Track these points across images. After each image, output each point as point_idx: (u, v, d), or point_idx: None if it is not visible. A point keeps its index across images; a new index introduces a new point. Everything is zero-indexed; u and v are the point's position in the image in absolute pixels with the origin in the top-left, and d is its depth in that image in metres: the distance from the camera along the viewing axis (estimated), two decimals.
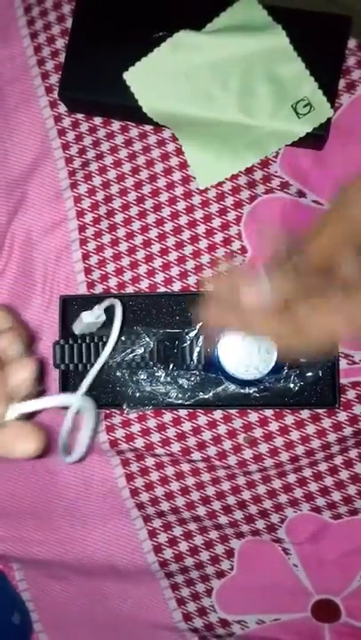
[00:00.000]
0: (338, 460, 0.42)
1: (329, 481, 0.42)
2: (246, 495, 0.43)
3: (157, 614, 0.43)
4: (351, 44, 0.42)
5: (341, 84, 0.41)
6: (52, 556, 0.44)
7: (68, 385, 0.42)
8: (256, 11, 0.41)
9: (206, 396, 0.41)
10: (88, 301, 0.42)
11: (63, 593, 0.44)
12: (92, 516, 0.44)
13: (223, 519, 0.43)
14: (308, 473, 0.42)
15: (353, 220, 0.27)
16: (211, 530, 0.43)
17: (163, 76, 0.41)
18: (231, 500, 0.43)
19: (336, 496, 0.42)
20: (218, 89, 0.41)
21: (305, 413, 0.42)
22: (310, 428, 0.42)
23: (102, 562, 0.44)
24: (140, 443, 0.44)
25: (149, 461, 0.43)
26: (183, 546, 0.43)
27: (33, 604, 0.45)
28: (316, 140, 0.41)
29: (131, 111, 0.42)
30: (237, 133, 0.41)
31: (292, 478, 0.43)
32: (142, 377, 0.42)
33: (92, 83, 0.42)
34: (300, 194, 0.42)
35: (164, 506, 0.43)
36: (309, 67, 0.40)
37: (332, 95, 0.40)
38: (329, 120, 0.40)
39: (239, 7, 0.41)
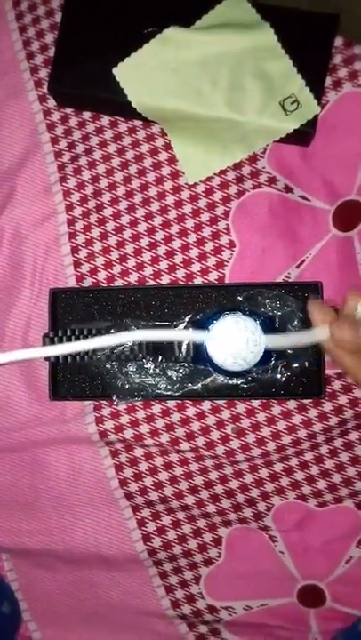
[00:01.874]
0: (323, 450, 0.43)
1: (315, 470, 0.43)
2: (234, 484, 0.44)
3: (146, 602, 0.44)
4: (338, 42, 0.42)
5: (328, 81, 0.42)
6: (41, 545, 0.45)
7: (57, 377, 0.43)
8: (244, 8, 0.42)
9: (195, 388, 0.42)
10: (77, 294, 0.43)
11: (52, 582, 0.45)
12: (82, 506, 0.44)
13: (211, 508, 0.44)
14: (294, 462, 0.43)
15: None
16: (199, 518, 0.44)
17: (152, 71, 0.42)
18: (219, 489, 0.44)
19: (321, 484, 0.43)
20: (207, 85, 0.41)
21: (291, 404, 0.43)
22: (297, 418, 0.43)
23: (91, 551, 0.45)
24: (129, 433, 0.44)
25: (138, 452, 0.44)
26: (172, 534, 0.44)
27: (22, 594, 0.45)
28: (303, 136, 0.42)
29: (120, 106, 0.43)
30: (226, 129, 0.42)
31: (278, 467, 0.44)
32: (131, 369, 0.42)
33: (82, 77, 0.43)
34: (287, 189, 0.43)
35: (153, 495, 0.44)
36: (297, 64, 0.41)
37: (318, 92, 0.41)
38: (316, 117, 0.41)
39: (228, 5, 0.42)
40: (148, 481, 0.44)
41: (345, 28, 0.42)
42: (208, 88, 0.41)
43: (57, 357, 0.41)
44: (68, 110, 0.45)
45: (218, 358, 0.40)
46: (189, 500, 0.44)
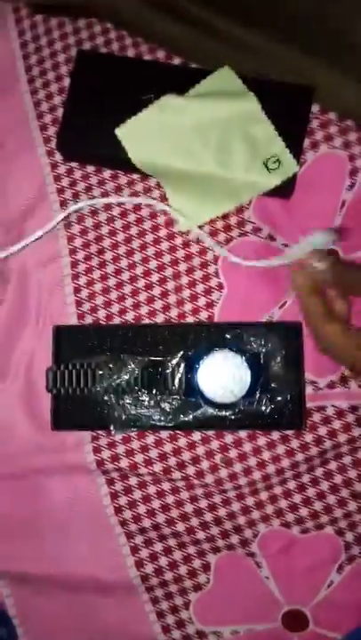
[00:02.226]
0: (305, 479, 0.46)
1: (297, 498, 0.46)
2: (222, 512, 0.46)
3: (139, 627, 0.46)
4: (315, 108, 0.48)
5: (306, 143, 0.47)
6: (38, 571, 0.46)
7: (59, 408, 0.46)
8: (232, 79, 0.47)
9: (186, 419, 0.45)
10: (79, 331, 0.46)
11: (49, 607, 0.46)
12: (78, 533, 0.46)
13: (201, 534, 0.46)
14: (278, 490, 0.46)
15: None
16: (189, 545, 0.46)
17: (150, 132, 0.47)
18: (208, 516, 0.46)
19: (304, 512, 0.46)
20: (199, 145, 0.46)
21: (275, 435, 0.47)
22: (280, 449, 0.46)
23: (87, 577, 0.46)
24: (124, 463, 0.47)
25: (133, 480, 0.47)
26: (163, 561, 0.46)
27: (18, 619, 0.46)
28: (284, 190, 0.46)
29: (120, 162, 0.47)
30: (215, 184, 0.47)
31: (264, 495, 0.46)
32: (128, 401, 0.45)
33: (87, 135, 0.47)
34: (271, 237, 0.48)
35: (146, 522, 0.46)
36: (278, 128, 0.46)
37: (298, 153, 0.46)
38: (295, 174, 0.46)
39: (218, 76, 0.47)
40: (142, 508, 0.46)
41: (320, 96, 0.47)
42: (200, 148, 0.46)
43: (59, 389, 0.44)
44: (74, 164, 0.49)
45: (208, 391, 0.43)
46: (180, 527, 0.46)
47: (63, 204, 0.49)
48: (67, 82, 0.49)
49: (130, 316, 0.48)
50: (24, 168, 0.49)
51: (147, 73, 0.48)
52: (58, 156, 0.49)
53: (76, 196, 0.49)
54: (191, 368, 0.44)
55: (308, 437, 0.46)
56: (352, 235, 0.46)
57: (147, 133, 0.46)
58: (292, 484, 0.46)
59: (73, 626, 0.46)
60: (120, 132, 0.47)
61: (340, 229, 0.46)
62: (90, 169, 0.49)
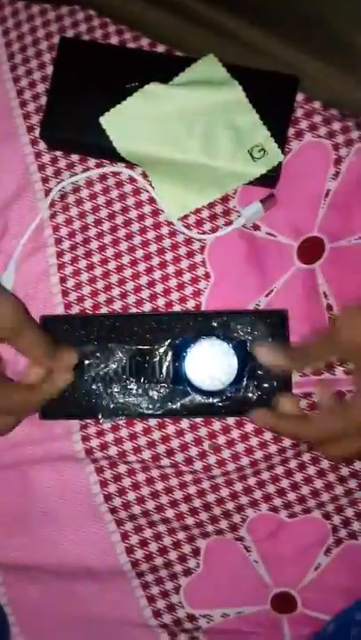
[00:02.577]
0: (293, 464, 0.47)
1: (285, 483, 0.47)
2: (211, 498, 0.47)
3: (129, 612, 0.46)
4: (299, 97, 0.48)
5: (291, 132, 0.47)
6: (29, 559, 0.47)
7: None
8: (217, 68, 0.47)
9: (174, 407, 0.45)
10: (66, 321, 0.46)
11: (40, 595, 0.46)
12: (68, 521, 0.47)
13: (190, 520, 0.47)
14: (266, 476, 0.47)
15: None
16: (179, 531, 0.47)
17: (135, 120, 0.46)
18: (197, 502, 0.47)
19: (291, 496, 0.47)
20: (183, 134, 0.46)
21: None
22: (268, 435, 0.47)
23: (77, 564, 0.47)
24: (113, 451, 0.47)
25: (122, 468, 0.47)
26: (153, 546, 0.47)
27: (10, 608, 0.47)
28: (269, 180, 0.47)
29: (105, 150, 0.47)
30: (201, 173, 0.47)
31: (252, 481, 0.47)
32: (116, 390, 0.45)
33: (71, 125, 0.47)
34: (255, 227, 0.48)
35: (136, 509, 0.47)
36: (263, 117, 0.46)
37: (282, 142, 0.46)
38: (280, 163, 0.46)
39: (202, 64, 0.47)
40: (131, 496, 0.47)
41: (304, 85, 0.47)
42: (185, 137, 0.46)
43: None
44: (58, 153, 0.49)
45: (195, 379, 0.43)
46: (170, 513, 0.47)
47: (47, 193, 0.49)
48: (50, 70, 0.49)
49: (117, 306, 0.48)
50: (7, 157, 0.49)
51: (131, 61, 0.47)
52: (42, 145, 0.49)
53: (59, 185, 0.48)
54: (178, 356, 0.44)
55: None
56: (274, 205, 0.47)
57: (131, 121, 0.46)
58: (279, 470, 0.47)
59: (64, 613, 0.46)
60: (104, 120, 0.46)
61: (267, 198, 0.46)
62: (74, 157, 0.49)
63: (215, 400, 0.45)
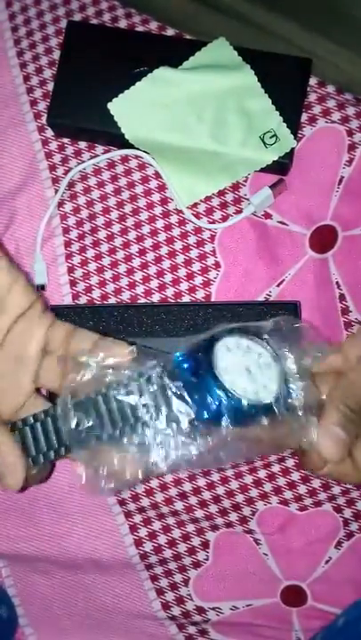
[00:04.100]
0: None
1: (295, 476, 0.46)
2: (220, 490, 0.46)
3: (138, 604, 0.46)
4: (312, 81, 0.47)
5: (304, 117, 0.46)
6: (37, 551, 0.47)
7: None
8: (227, 51, 0.46)
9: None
10: (74, 311, 0.46)
11: (48, 587, 0.46)
12: (76, 513, 0.46)
13: (199, 513, 0.46)
14: (276, 469, 0.46)
15: None
16: (188, 523, 0.46)
17: (143, 106, 0.45)
18: (207, 495, 0.46)
19: (302, 489, 0.46)
20: (193, 120, 0.45)
21: None
22: None
23: (86, 556, 0.47)
24: None
25: None
26: (162, 539, 0.46)
27: (19, 599, 0.47)
28: (281, 167, 0.45)
29: (113, 137, 0.46)
30: (211, 160, 0.46)
31: (262, 474, 0.46)
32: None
33: (79, 111, 0.46)
34: (267, 215, 0.47)
35: (145, 502, 0.47)
36: (275, 102, 0.45)
37: (295, 127, 0.45)
38: (292, 150, 0.45)
39: (212, 48, 0.46)
40: (140, 488, 0.47)
41: (318, 69, 0.46)
42: (194, 123, 0.45)
43: None
44: (65, 140, 0.48)
45: (238, 388, 0.29)
46: (179, 505, 0.47)
47: (55, 181, 0.48)
48: (57, 55, 0.48)
49: (125, 296, 0.47)
50: (15, 144, 0.48)
51: (140, 45, 0.46)
52: (49, 132, 0.48)
53: (67, 173, 0.48)
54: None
55: None
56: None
57: (140, 107, 0.45)
58: (290, 462, 0.46)
59: (72, 605, 0.46)
60: (112, 106, 0.45)
61: (276, 183, 0.45)
62: (82, 145, 0.48)
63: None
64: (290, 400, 0.30)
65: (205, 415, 0.29)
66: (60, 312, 0.46)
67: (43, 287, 0.47)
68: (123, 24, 0.48)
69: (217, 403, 0.28)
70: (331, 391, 0.32)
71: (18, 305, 0.34)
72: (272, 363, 0.30)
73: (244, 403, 0.28)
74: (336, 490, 0.46)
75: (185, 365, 0.29)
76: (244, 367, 0.29)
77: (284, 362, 0.31)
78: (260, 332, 0.31)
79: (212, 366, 0.29)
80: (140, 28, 0.48)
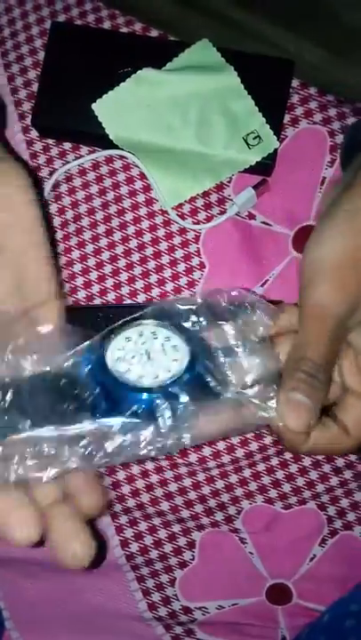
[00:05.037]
0: (288, 455, 0.47)
1: (280, 474, 0.47)
2: (206, 490, 0.47)
3: (124, 606, 0.46)
4: (295, 83, 0.47)
5: (286, 118, 0.47)
6: (22, 554, 0.46)
7: None
8: (211, 53, 0.46)
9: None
10: None
11: (34, 590, 0.46)
12: None
13: (185, 513, 0.47)
14: (261, 467, 0.47)
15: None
16: (174, 523, 0.47)
17: (128, 107, 0.46)
18: (192, 494, 0.47)
19: (286, 488, 0.47)
20: (177, 121, 0.45)
21: None
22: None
23: None
24: None
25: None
26: (148, 539, 0.46)
27: (3, 603, 0.46)
28: (264, 167, 0.46)
29: (98, 138, 0.46)
30: (195, 160, 0.46)
31: (247, 473, 0.47)
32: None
33: (63, 112, 0.46)
34: (250, 216, 0.47)
35: (130, 503, 0.47)
36: (258, 103, 0.45)
37: (278, 128, 0.45)
38: (276, 151, 0.45)
39: (196, 49, 0.46)
40: (126, 489, 0.47)
41: (300, 71, 0.47)
42: (179, 124, 0.45)
43: None
44: (50, 141, 0.48)
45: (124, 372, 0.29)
46: (165, 506, 0.47)
47: (40, 182, 0.48)
48: (41, 55, 0.48)
49: (110, 297, 0.47)
50: None
51: (123, 46, 0.46)
52: (34, 133, 0.48)
53: (53, 174, 0.48)
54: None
55: None
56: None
57: (124, 108, 0.45)
58: (274, 461, 0.46)
59: (59, 607, 0.46)
60: (97, 107, 0.46)
61: (259, 183, 0.45)
62: (67, 146, 0.48)
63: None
64: (220, 377, 0.29)
65: (104, 406, 0.28)
66: None
67: None
68: (107, 25, 0.49)
69: (111, 393, 0.28)
70: (287, 356, 0.30)
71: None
72: (181, 344, 0.29)
73: (133, 385, 0.28)
74: (320, 488, 0.46)
75: (85, 369, 0.29)
76: (145, 353, 0.29)
77: (215, 339, 0.30)
78: (173, 317, 0.31)
79: (104, 361, 0.29)
80: (124, 30, 0.48)
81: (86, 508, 0.25)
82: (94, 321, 0.45)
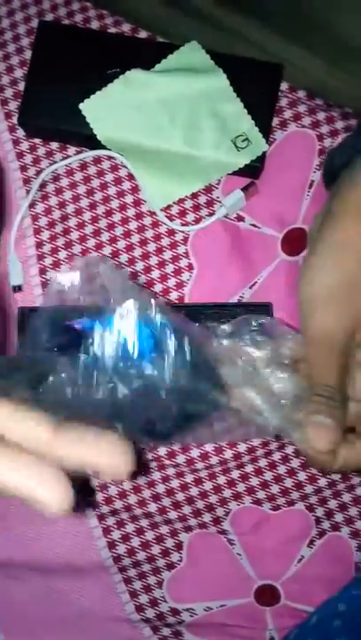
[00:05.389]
0: (276, 456, 0.47)
1: (268, 475, 0.47)
2: (194, 491, 0.47)
3: (111, 607, 0.46)
4: (283, 86, 0.47)
5: (275, 121, 0.47)
6: (9, 555, 0.46)
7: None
8: (200, 55, 0.46)
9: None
10: (46, 313, 0.45)
11: (21, 592, 0.46)
12: (48, 517, 0.46)
13: (173, 514, 0.46)
14: (249, 469, 0.47)
15: None
16: (161, 525, 0.46)
17: (116, 108, 0.45)
18: (180, 496, 0.47)
19: (275, 489, 0.47)
20: (166, 122, 0.45)
21: None
22: None
23: (59, 560, 0.46)
24: None
25: None
26: (135, 541, 0.46)
27: None
28: (253, 170, 0.46)
29: (86, 138, 0.46)
30: (184, 162, 0.46)
31: (235, 474, 0.47)
32: None
33: (50, 111, 0.46)
34: (239, 218, 0.47)
35: (118, 504, 0.46)
36: (247, 106, 0.45)
37: (266, 131, 0.46)
38: (264, 153, 0.45)
39: (185, 51, 0.46)
40: (113, 490, 0.46)
41: (289, 74, 0.47)
42: (167, 125, 0.45)
43: None
44: (37, 140, 0.48)
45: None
46: (152, 507, 0.46)
47: (27, 181, 0.47)
48: (29, 54, 0.48)
49: None
50: None
51: (112, 46, 0.46)
52: (20, 132, 0.48)
53: (39, 174, 0.47)
54: None
55: None
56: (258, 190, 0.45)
57: (112, 109, 0.45)
58: (263, 462, 0.47)
59: (46, 609, 0.46)
60: (84, 107, 0.45)
61: (248, 186, 0.45)
62: (54, 146, 0.48)
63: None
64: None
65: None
66: (31, 314, 0.45)
67: (20, 288, 0.46)
68: (95, 25, 0.48)
69: None
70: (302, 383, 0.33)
71: None
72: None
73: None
74: (309, 489, 0.47)
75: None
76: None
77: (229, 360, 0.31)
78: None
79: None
80: (112, 30, 0.48)
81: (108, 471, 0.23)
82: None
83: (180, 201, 0.47)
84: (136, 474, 0.45)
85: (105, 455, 0.22)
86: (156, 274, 0.47)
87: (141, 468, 0.46)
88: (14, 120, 0.47)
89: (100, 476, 0.22)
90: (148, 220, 0.47)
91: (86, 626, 0.46)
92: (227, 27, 0.46)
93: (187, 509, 0.46)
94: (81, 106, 0.45)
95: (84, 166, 0.48)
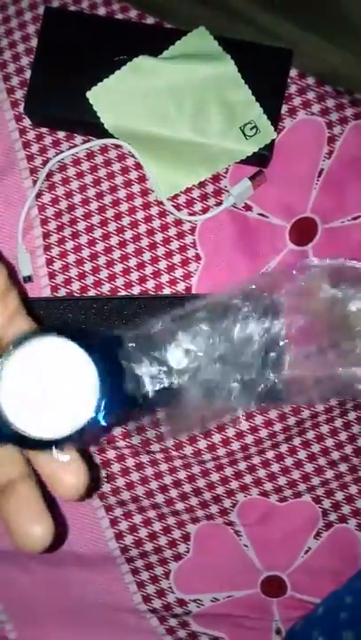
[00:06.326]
0: (283, 448, 0.47)
1: (276, 467, 0.47)
2: (201, 483, 0.46)
3: (119, 598, 0.46)
4: (293, 73, 0.46)
5: (284, 109, 0.46)
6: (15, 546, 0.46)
7: None
8: (208, 41, 0.45)
9: None
10: (52, 304, 0.45)
11: (28, 583, 0.46)
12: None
13: (180, 505, 0.46)
14: (256, 460, 0.46)
15: None
16: (168, 516, 0.46)
17: (123, 95, 0.45)
18: (187, 487, 0.46)
19: (282, 481, 0.47)
20: (173, 110, 0.44)
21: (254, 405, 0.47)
22: (258, 419, 0.46)
23: (66, 551, 0.46)
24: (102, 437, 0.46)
25: (111, 454, 0.46)
26: (143, 532, 0.46)
27: None
28: (261, 158, 0.45)
29: (92, 127, 0.45)
30: (191, 151, 0.45)
31: (242, 466, 0.46)
32: None
33: (57, 100, 0.45)
34: (247, 207, 0.47)
35: (125, 495, 0.46)
36: (256, 93, 0.45)
37: (275, 119, 0.45)
38: (273, 141, 0.45)
39: (192, 37, 0.45)
40: (121, 482, 0.46)
41: (298, 60, 0.46)
42: (175, 113, 0.44)
43: None
44: (43, 129, 0.47)
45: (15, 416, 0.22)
46: (159, 498, 0.46)
47: (33, 171, 0.47)
48: (35, 42, 0.47)
49: (105, 289, 0.47)
50: None
51: (119, 33, 0.46)
52: (27, 122, 0.47)
53: (46, 163, 0.47)
54: None
55: (286, 407, 0.46)
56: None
57: (119, 97, 0.45)
58: (270, 454, 0.46)
59: (53, 600, 0.46)
60: (91, 95, 0.45)
61: (255, 174, 0.45)
62: (61, 135, 0.47)
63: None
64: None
65: None
66: (39, 305, 0.45)
67: (30, 278, 0.46)
68: (102, 11, 0.48)
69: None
70: None
71: None
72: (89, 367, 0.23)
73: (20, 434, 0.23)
74: (316, 481, 0.46)
75: None
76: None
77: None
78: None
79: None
80: (119, 16, 0.48)
81: (67, 489, 0.23)
82: (87, 313, 0.45)
83: (188, 190, 0.47)
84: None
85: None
86: (163, 264, 0.47)
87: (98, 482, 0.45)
88: (20, 109, 0.47)
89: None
90: (155, 210, 0.47)
91: (94, 616, 0.46)
92: (235, 12, 0.45)
93: (194, 501, 0.46)
94: (88, 94, 0.45)
95: (90, 155, 0.47)
